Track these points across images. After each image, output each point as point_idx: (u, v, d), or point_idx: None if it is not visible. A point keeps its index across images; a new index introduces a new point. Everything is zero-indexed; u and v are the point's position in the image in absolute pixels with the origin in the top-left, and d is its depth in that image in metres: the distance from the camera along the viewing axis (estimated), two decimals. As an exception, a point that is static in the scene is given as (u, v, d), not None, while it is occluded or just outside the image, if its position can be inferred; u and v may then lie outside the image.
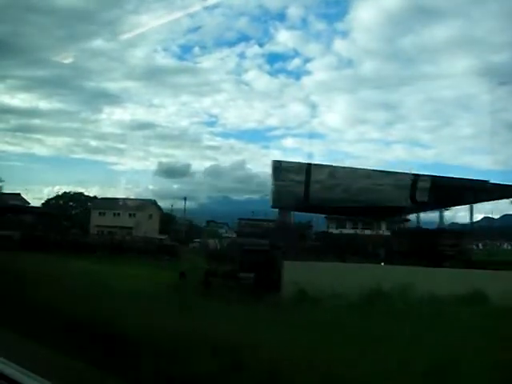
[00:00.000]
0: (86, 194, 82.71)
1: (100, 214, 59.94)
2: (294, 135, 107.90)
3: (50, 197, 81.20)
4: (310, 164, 17.64)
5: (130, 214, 59.86)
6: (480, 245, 52.01)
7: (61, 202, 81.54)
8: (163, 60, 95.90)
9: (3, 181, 54.83)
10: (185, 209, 69.62)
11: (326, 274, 13.01)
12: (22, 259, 21.70)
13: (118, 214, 60.17)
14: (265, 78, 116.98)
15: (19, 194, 62.03)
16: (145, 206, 60.76)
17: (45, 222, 44.08)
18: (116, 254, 32.13)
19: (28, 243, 33.20)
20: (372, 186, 16.51)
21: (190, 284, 14.34)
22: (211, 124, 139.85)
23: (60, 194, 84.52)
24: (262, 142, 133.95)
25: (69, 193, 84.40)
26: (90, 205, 75.91)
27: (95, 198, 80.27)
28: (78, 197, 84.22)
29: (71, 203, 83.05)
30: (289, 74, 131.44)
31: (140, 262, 29.23)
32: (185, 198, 68.92)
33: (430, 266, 15.23)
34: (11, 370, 2.45)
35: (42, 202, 75.93)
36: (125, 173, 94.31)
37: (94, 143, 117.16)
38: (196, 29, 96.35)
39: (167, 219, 68.08)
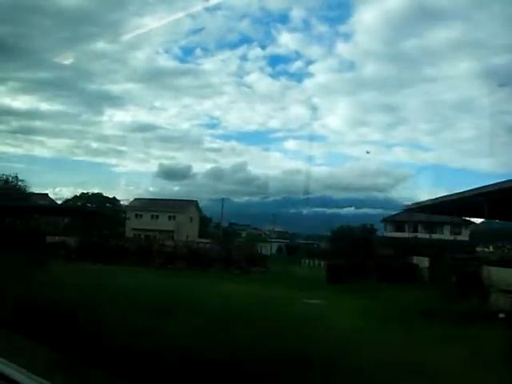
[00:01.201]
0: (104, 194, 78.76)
1: (137, 216, 54.30)
2: (295, 137, 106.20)
3: (69, 197, 77.09)
4: None
5: (169, 217, 54.32)
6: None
7: (79, 203, 77.31)
8: (165, 62, 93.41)
9: (23, 180, 49.32)
10: (222, 211, 64.14)
11: None
12: (125, 276, 16.38)
13: (157, 217, 54.64)
14: (266, 81, 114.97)
15: (47, 194, 56.88)
16: (186, 207, 55.20)
17: (90, 224, 38.44)
18: (196, 265, 26.78)
19: (89, 252, 27.77)
20: None
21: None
22: (212, 126, 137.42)
23: (78, 194, 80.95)
24: (263, 144, 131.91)
25: (87, 193, 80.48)
26: (109, 206, 71.15)
27: (114, 199, 75.89)
28: (97, 198, 79.99)
29: (89, 204, 78.73)
30: (290, 76, 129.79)
31: (242, 275, 23.91)
32: (222, 199, 63.36)
33: None
34: (11, 370, 2.38)
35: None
36: (126, 175, 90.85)
37: (95, 145, 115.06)
38: (198, 30, 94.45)
39: (204, 222, 62.85)
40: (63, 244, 29.69)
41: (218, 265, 27.53)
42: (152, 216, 54.70)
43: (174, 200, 55.98)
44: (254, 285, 17.92)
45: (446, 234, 55.15)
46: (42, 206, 38.49)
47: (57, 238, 30.56)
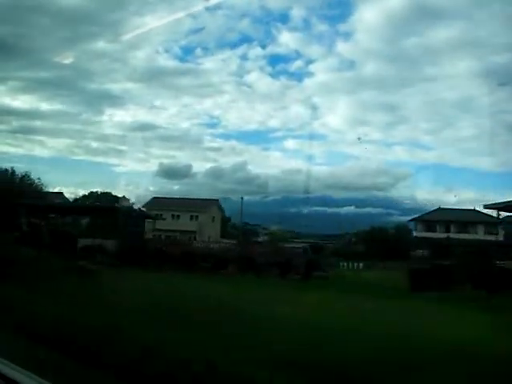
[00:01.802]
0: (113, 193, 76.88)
1: (156, 215, 51.52)
2: (295, 137, 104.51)
3: (77, 196, 75.08)
4: None
5: (191, 216, 51.68)
6: None
7: (87, 202, 75.23)
8: (165, 61, 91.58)
9: (39, 178, 46.38)
10: (242, 210, 61.46)
11: None
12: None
13: (178, 216, 51.97)
14: (266, 80, 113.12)
15: (62, 193, 54.26)
16: (208, 206, 52.58)
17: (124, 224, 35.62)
18: (248, 270, 24.33)
19: (129, 256, 25.22)
20: None
21: None
22: (212, 125, 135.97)
23: (87, 193, 78.96)
24: (263, 143, 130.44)
25: (96, 192, 78.53)
26: (117, 205, 68.88)
27: (124, 197, 73.67)
28: (106, 197, 78.01)
29: (98, 203, 76.66)
30: (291, 75, 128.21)
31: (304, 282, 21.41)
32: (241, 198, 60.65)
33: None
34: (10, 369, 2.36)
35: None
36: (126, 174, 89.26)
37: (95, 145, 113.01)
38: (198, 30, 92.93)
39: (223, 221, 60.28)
40: (99, 247, 27.08)
41: (268, 269, 25.07)
42: (173, 216, 52.05)
43: (195, 199, 53.31)
44: (345, 295, 15.35)
45: (480, 234, 52.80)
46: (71, 204, 35.69)
47: (90, 240, 27.92)
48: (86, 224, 45.65)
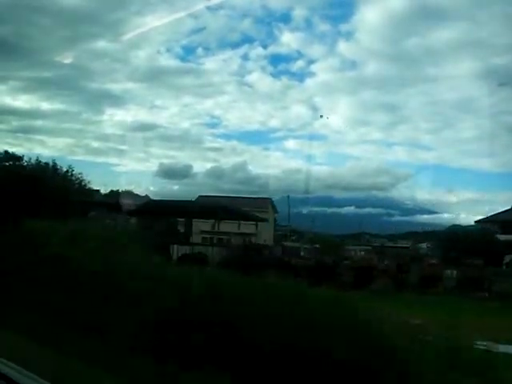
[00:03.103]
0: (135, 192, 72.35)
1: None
2: (296, 137, 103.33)
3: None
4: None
5: (246, 217, 46.11)
6: None
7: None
8: (166, 61, 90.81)
9: (81, 173, 40.95)
10: (289, 212, 56.31)
11: None
12: None
13: (231, 218, 46.36)
14: (268, 80, 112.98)
15: (98, 191, 48.81)
16: (264, 206, 47.16)
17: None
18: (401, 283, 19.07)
19: (250, 269, 19.82)
20: None
21: None
22: (213, 125, 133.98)
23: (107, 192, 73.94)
24: (264, 143, 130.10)
25: (117, 191, 73.63)
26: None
27: (146, 196, 69.08)
28: (128, 195, 73.15)
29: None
30: (292, 75, 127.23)
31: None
32: (288, 197, 55.44)
33: None
34: (11, 370, 2.36)
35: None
36: (126, 174, 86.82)
37: (95, 144, 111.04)
38: (199, 30, 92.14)
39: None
40: (200, 257, 21.69)
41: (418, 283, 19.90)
42: (223, 217, 46.44)
43: (247, 198, 47.92)
44: None
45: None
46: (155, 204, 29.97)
47: (188, 247, 22.47)
48: (133, 226, 40.17)
